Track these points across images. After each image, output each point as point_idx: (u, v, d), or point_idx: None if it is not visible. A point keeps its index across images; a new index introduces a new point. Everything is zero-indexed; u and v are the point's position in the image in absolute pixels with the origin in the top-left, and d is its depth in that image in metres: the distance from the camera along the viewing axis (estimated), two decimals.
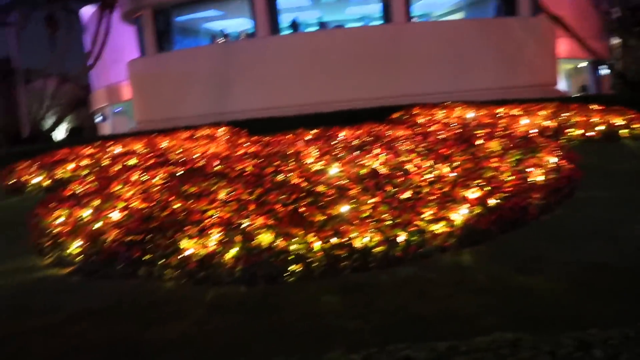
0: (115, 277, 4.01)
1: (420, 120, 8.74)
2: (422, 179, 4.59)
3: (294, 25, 17.89)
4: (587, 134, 7.45)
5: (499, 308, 2.91)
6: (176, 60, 17.96)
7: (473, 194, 4.25)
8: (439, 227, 3.88)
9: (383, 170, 4.85)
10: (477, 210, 4.08)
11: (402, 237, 3.79)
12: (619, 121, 7.66)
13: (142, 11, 19.10)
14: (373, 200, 4.14)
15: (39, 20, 18.57)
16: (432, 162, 4.98)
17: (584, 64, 23.35)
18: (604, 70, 23.04)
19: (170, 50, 19.06)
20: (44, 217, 5.02)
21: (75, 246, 4.41)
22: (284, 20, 17.74)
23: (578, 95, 17.92)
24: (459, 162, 4.82)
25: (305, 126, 9.01)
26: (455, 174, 4.66)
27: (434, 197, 4.21)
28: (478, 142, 5.65)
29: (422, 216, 3.94)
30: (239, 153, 6.70)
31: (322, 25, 17.92)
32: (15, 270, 4.44)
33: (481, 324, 2.73)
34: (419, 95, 13.80)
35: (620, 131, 7.51)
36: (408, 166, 4.93)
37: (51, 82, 19.72)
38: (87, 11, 22.72)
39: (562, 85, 19.96)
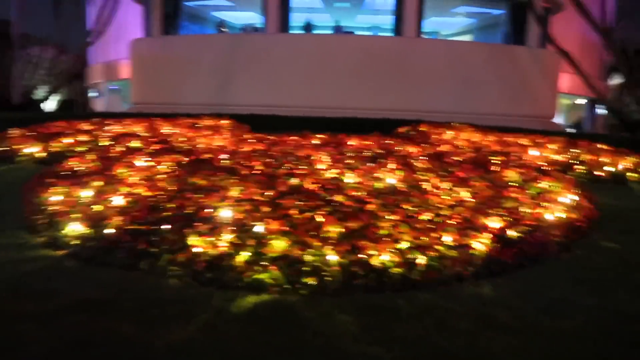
0: (114, 267, 3.79)
1: (429, 138, 8.63)
2: (441, 200, 4.46)
3: (308, 26, 17.76)
4: (595, 173, 7.43)
5: (525, 350, 2.78)
6: (181, 45, 17.66)
7: (494, 223, 4.13)
8: (460, 255, 3.75)
9: (400, 186, 4.72)
10: (498, 241, 3.95)
11: (421, 260, 3.64)
12: (627, 164, 7.67)
13: None
14: (393, 217, 3.99)
15: None
16: (450, 184, 4.87)
17: (582, 100, 23.66)
18: (601, 110, 23.32)
19: (176, 34, 18.74)
20: (40, 192, 4.75)
21: (72, 228, 4.17)
22: (294, 19, 17.60)
23: (572, 131, 18.11)
24: (480, 188, 4.70)
25: (309, 129, 8.85)
26: (475, 200, 4.53)
27: (455, 221, 4.07)
28: (494, 168, 5.55)
29: (443, 240, 3.80)
30: (245, 149, 6.50)
31: (336, 29, 17.79)
32: (5, 246, 4.17)
33: None
34: (423, 112, 13.77)
35: (627, 174, 7.50)
36: (425, 185, 4.80)
37: (49, 51, 19.21)
38: None
39: (558, 119, 20.13)
